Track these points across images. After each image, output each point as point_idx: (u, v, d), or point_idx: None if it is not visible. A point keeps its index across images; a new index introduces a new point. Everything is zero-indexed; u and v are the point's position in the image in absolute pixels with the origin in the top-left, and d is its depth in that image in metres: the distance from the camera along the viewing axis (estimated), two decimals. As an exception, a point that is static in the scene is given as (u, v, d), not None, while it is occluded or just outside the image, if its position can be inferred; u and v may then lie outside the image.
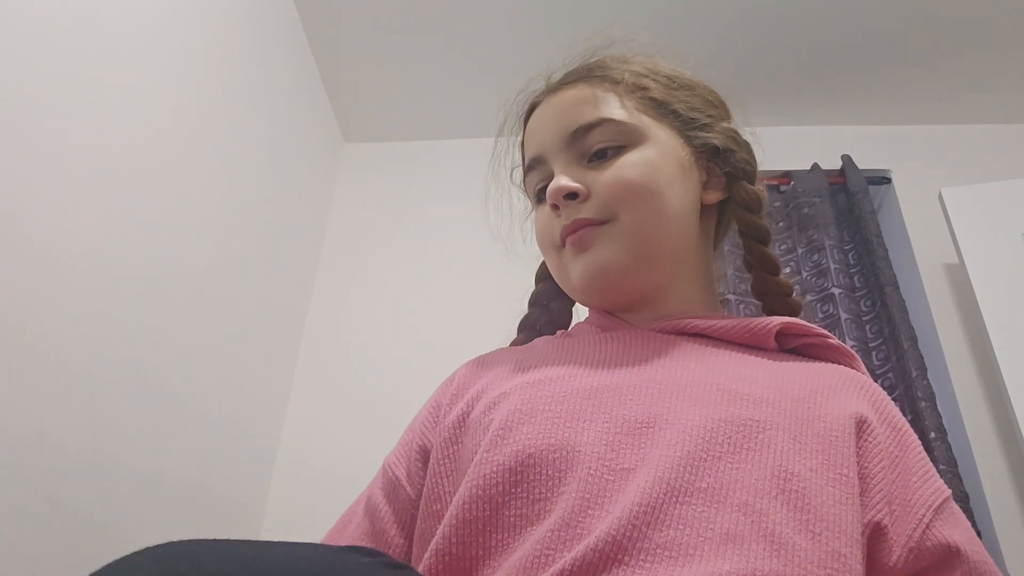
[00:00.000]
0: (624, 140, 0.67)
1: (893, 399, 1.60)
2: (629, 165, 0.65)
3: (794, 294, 0.72)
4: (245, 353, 1.57)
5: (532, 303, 0.81)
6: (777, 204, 1.91)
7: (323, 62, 1.98)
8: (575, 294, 0.70)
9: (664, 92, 0.70)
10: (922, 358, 1.60)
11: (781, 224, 1.88)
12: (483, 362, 0.70)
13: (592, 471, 0.50)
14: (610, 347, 0.64)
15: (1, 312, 0.93)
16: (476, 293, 1.81)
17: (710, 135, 0.70)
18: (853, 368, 0.64)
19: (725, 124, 0.73)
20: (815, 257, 1.78)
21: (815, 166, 1.93)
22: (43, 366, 1.00)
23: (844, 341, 1.64)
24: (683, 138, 0.70)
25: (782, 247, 1.84)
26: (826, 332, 0.65)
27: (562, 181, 0.65)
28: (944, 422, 1.53)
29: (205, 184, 1.44)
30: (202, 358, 1.39)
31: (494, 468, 0.53)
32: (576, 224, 0.65)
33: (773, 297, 0.73)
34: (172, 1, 1.34)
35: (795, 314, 0.72)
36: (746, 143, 0.74)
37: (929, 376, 1.58)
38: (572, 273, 0.67)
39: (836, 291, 1.71)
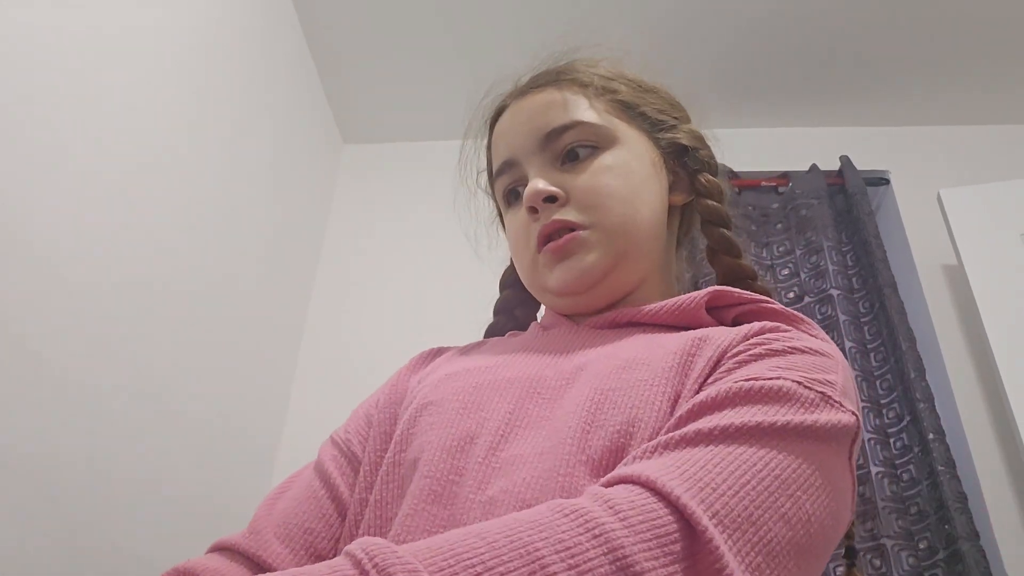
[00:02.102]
0: (597, 142, 0.67)
1: (891, 401, 1.60)
2: (605, 169, 0.66)
3: (759, 279, 0.70)
4: (245, 354, 1.57)
5: (498, 310, 0.81)
6: (775, 206, 1.91)
7: (322, 63, 1.98)
8: (547, 297, 0.70)
9: (633, 94, 0.71)
10: (920, 359, 1.60)
11: (779, 226, 1.88)
12: (423, 359, 0.75)
13: (480, 459, 0.53)
14: (540, 344, 0.65)
15: (1, 317, 0.93)
16: (476, 294, 1.81)
17: (677, 135, 0.71)
18: (799, 329, 0.57)
19: (688, 126, 0.74)
20: (813, 258, 1.78)
21: (813, 167, 1.93)
22: (43, 368, 1.00)
23: (843, 343, 1.64)
24: (652, 140, 0.70)
25: (780, 248, 1.84)
26: (763, 297, 0.62)
27: (540, 184, 0.65)
28: (943, 423, 1.53)
29: (205, 186, 1.44)
30: (201, 359, 1.40)
31: (406, 468, 0.57)
32: (556, 224, 0.64)
33: (738, 283, 0.70)
34: (172, 4, 1.34)
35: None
36: (708, 145, 0.75)
37: (928, 377, 1.58)
38: (550, 279, 0.66)
39: (834, 292, 1.71)
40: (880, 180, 1.99)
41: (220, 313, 1.47)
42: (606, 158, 0.66)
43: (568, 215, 0.64)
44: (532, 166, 0.67)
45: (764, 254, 1.84)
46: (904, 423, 1.57)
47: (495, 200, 0.79)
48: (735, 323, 0.62)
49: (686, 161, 0.72)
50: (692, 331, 0.59)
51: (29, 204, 0.99)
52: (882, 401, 1.61)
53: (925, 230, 1.86)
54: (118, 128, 1.18)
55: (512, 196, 0.71)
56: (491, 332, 0.80)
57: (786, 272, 1.80)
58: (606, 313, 0.65)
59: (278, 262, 1.77)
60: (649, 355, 0.56)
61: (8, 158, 0.95)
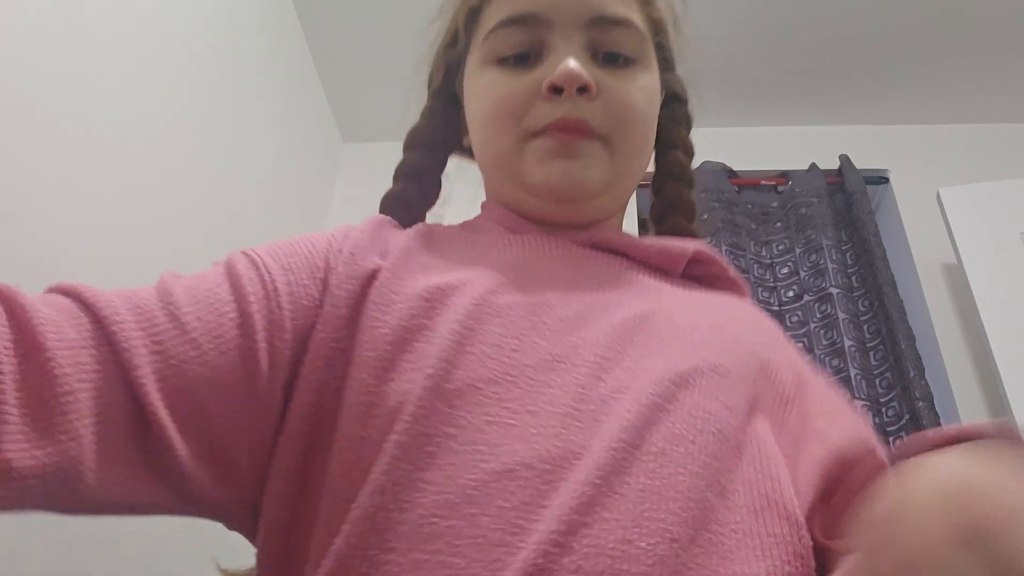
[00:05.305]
0: (637, 56, 0.60)
1: (890, 399, 1.61)
2: (639, 88, 0.60)
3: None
4: (244, 353, 1.57)
5: (402, 175, 0.71)
6: (775, 204, 1.92)
7: (322, 62, 1.99)
8: (511, 188, 0.60)
9: (667, 14, 0.68)
10: (920, 358, 1.60)
11: (779, 224, 1.89)
12: (385, 232, 0.58)
13: (574, 399, 0.43)
14: (528, 254, 0.56)
15: None
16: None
17: (676, 83, 0.69)
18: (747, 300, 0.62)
19: (679, 76, 0.71)
20: (813, 257, 1.79)
21: (813, 166, 1.93)
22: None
23: (842, 341, 1.64)
24: (660, 78, 0.65)
25: (779, 247, 1.85)
26: (726, 263, 0.62)
27: (579, 67, 0.55)
28: (942, 422, 1.53)
29: (204, 184, 1.44)
30: (201, 358, 1.40)
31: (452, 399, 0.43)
32: (579, 124, 0.56)
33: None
34: (172, 3, 1.34)
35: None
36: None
37: (927, 376, 1.58)
38: (537, 171, 0.57)
39: (834, 291, 1.71)
40: (879, 179, 1.99)
41: (220, 312, 1.47)
42: (642, 77, 0.60)
43: (592, 117, 0.57)
44: (571, 43, 0.58)
45: (764, 252, 1.84)
46: (903, 422, 1.57)
47: (462, 48, 0.66)
48: (689, 276, 0.60)
49: (672, 111, 0.68)
50: (734, 305, 0.59)
51: (26, 200, 0.99)
52: (881, 400, 1.61)
53: (924, 229, 1.87)
54: (117, 125, 1.18)
55: (517, 57, 0.59)
56: (393, 202, 0.71)
57: (786, 271, 1.80)
58: (592, 232, 0.59)
59: (278, 261, 1.77)
60: (751, 325, 0.56)
61: (5, 151, 0.96)
